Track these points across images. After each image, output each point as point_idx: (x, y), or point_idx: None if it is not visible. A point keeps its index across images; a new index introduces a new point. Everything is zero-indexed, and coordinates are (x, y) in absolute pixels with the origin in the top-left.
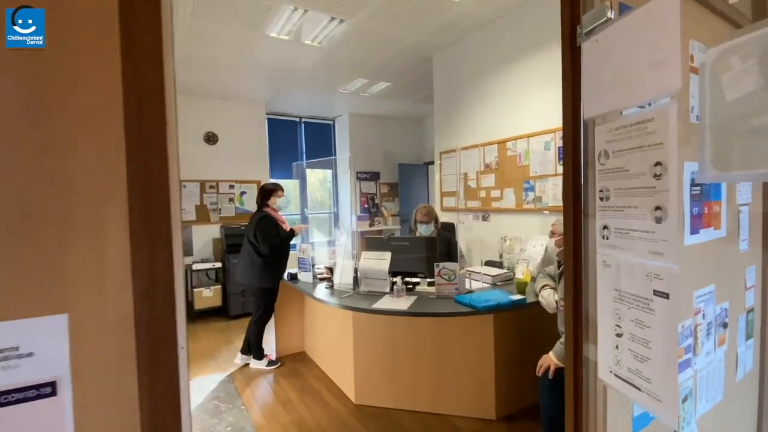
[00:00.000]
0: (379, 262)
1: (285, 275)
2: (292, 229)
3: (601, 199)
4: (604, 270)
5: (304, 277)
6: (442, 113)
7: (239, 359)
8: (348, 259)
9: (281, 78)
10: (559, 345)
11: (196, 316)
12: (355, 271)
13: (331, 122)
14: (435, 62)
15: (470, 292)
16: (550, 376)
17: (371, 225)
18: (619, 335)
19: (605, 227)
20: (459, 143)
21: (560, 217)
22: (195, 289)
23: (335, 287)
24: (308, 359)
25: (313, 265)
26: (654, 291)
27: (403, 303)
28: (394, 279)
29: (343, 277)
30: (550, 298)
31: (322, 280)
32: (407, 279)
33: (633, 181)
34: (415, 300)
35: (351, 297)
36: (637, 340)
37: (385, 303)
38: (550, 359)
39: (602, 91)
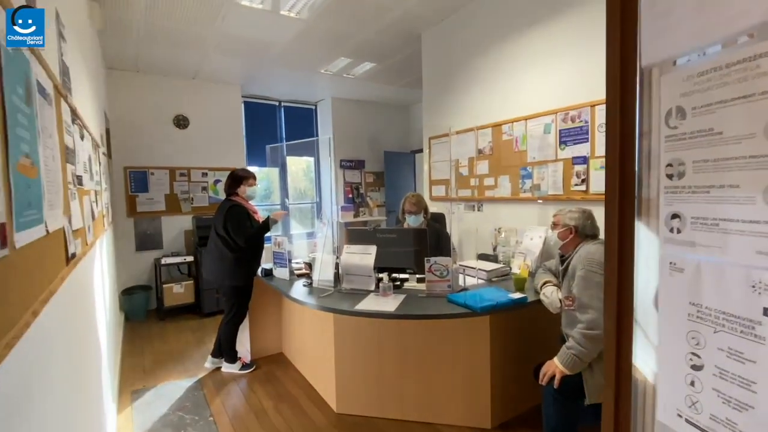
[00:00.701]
0: (364, 257)
1: (259, 271)
2: (267, 219)
3: (670, 176)
4: (673, 276)
5: (280, 273)
6: (432, 95)
7: (209, 363)
8: (329, 254)
9: (256, 55)
10: (564, 350)
11: (165, 313)
12: (337, 266)
13: (313, 107)
14: (424, 39)
15: (464, 289)
16: (555, 385)
17: (356, 215)
18: (696, 367)
19: (675, 216)
20: (450, 127)
21: (563, 207)
22: (164, 285)
23: (314, 285)
24: (286, 362)
25: (290, 260)
26: (765, 310)
27: (390, 303)
28: (381, 275)
29: (323, 274)
30: (553, 296)
31: (300, 276)
32: (394, 275)
33: (730, 148)
34: (404, 299)
35: (331, 296)
36: (729, 378)
37: (370, 303)
38: (555, 366)
39: (676, 21)
